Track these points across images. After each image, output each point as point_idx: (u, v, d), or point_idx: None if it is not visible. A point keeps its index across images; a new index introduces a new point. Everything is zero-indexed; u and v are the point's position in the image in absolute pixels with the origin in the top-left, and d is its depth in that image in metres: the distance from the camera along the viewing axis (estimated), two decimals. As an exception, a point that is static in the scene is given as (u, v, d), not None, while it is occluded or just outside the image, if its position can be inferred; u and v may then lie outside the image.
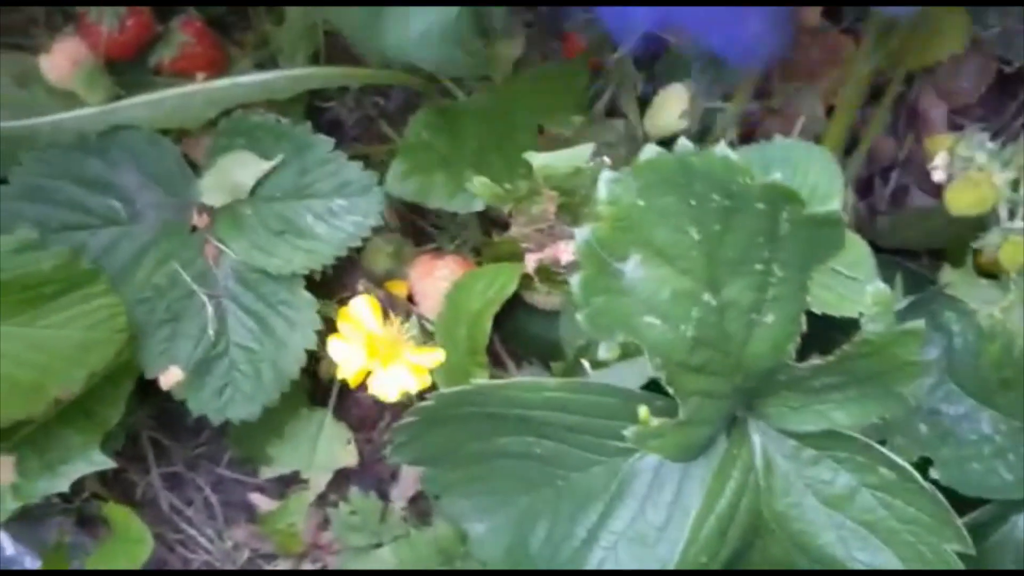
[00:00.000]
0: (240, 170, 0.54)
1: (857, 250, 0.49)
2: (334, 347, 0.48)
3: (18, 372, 0.46)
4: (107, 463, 0.53)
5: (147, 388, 0.55)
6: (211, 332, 0.54)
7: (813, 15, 0.61)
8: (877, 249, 0.68)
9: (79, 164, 0.54)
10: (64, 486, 0.52)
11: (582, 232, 0.38)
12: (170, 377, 0.53)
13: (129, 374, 0.53)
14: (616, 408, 0.44)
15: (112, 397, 0.52)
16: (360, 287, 0.57)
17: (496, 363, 0.60)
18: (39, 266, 0.46)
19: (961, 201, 0.54)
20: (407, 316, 0.55)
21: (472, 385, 0.44)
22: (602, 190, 0.38)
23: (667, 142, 0.39)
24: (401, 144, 0.57)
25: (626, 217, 0.38)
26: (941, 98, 0.66)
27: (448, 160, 0.55)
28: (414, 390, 0.48)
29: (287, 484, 0.64)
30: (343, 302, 0.57)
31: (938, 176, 0.54)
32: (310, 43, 0.61)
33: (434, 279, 0.57)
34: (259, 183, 0.54)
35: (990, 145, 0.54)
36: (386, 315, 0.56)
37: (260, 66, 0.62)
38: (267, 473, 0.62)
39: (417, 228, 0.64)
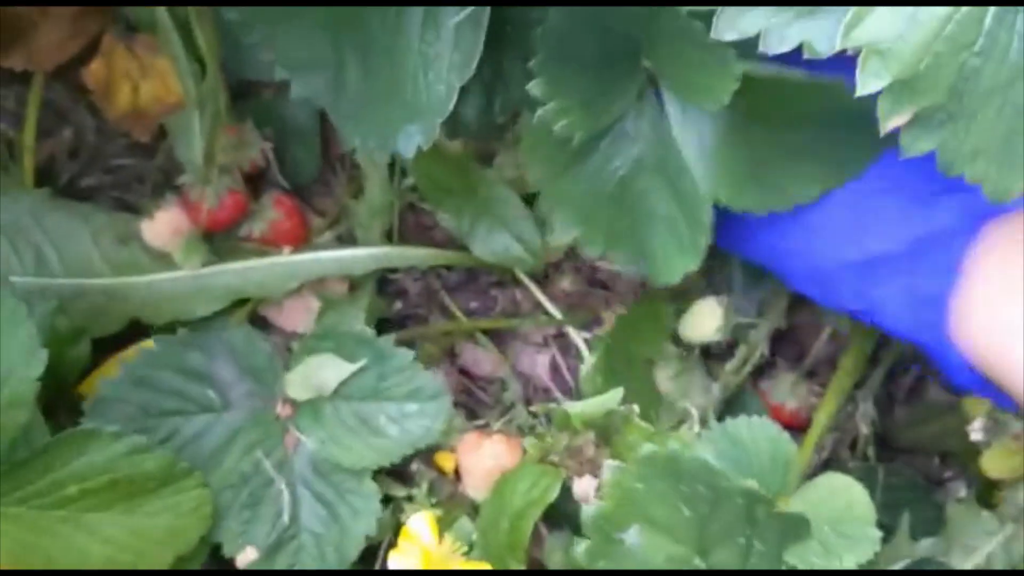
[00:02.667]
0: (325, 371, 0.60)
1: (859, 506, 0.53)
2: (393, 562, 0.53)
3: (119, 555, 0.51)
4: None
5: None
6: (286, 518, 0.59)
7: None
8: (891, 450, 0.73)
9: (182, 356, 0.60)
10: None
11: (588, 509, 0.45)
12: (246, 557, 0.59)
13: (205, 549, 0.58)
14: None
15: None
16: (414, 467, 0.63)
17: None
18: (144, 466, 0.51)
19: (996, 467, 0.59)
20: (451, 497, 0.60)
21: None
22: (606, 475, 0.45)
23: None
24: None
25: (627, 498, 0.45)
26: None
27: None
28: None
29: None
30: (396, 477, 0.63)
31: (975, 437, 0.59)
32: (385, 219, 0.68)
33: (480, 456, 0.62)
34: (341, 383, 0.60)
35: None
36: (431, 489, 0.62)
37: (340, 238, 0.69)
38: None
39: (471, 399, 0.70)
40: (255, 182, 0.69)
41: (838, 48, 0.34)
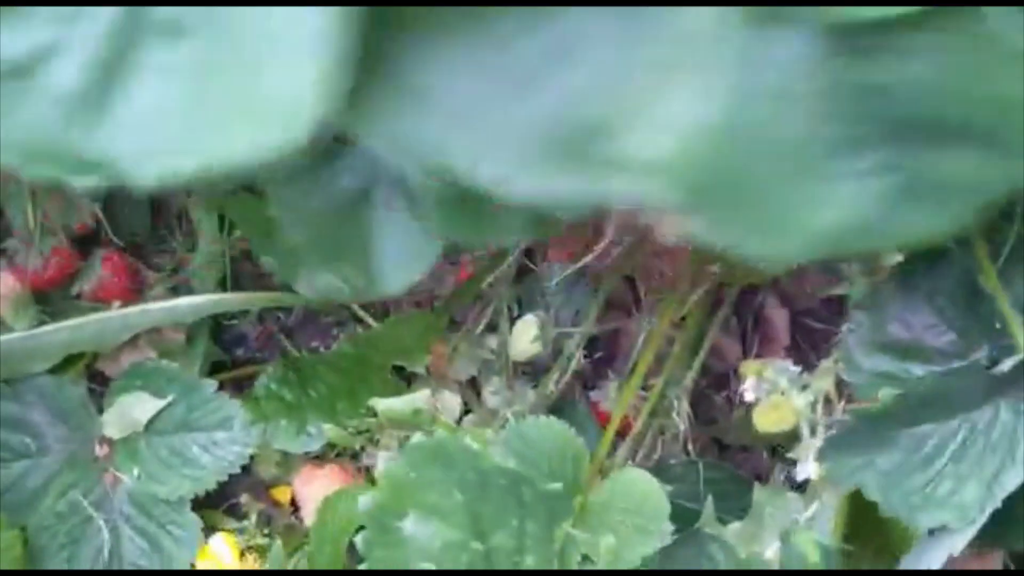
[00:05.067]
0: (137, 407, 0.63)
1: (653, 500, 0.55)
2: (190, 580, 0.55)
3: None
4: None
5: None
6: (106, 553, 0.61)
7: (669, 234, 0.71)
8: (726, 448, 0.76)
9: (-4, 406, 0.62)
10: None
11: (364, 500, 0.46)
12: (68, 596, 0.61)
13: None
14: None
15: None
16: (242, 499, 0.65)
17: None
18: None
19: (766, 420, 0.62)
20: (287, 527, 0.62)
21: None
22: (380, 465, 0.47)
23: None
24: (245, 397, 0.64)
25: (400, 486, 0.47)
26: (784, 304, 0.74)
27: (292, 407, 0.63)
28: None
29: None
30: (229, 510, 0.65)
31: (748, 396, 0.62)
32: (219, 268, 0.71)
33: (314, 487, 0.64)
34: (152, 419, 0.62)
35: (792, 370, 0.61)
36: (269, 522, 0.64)
37: (174, 289, 0.71)
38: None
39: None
40: (88, 243, 0.72)
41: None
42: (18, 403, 0.62)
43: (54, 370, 0.66)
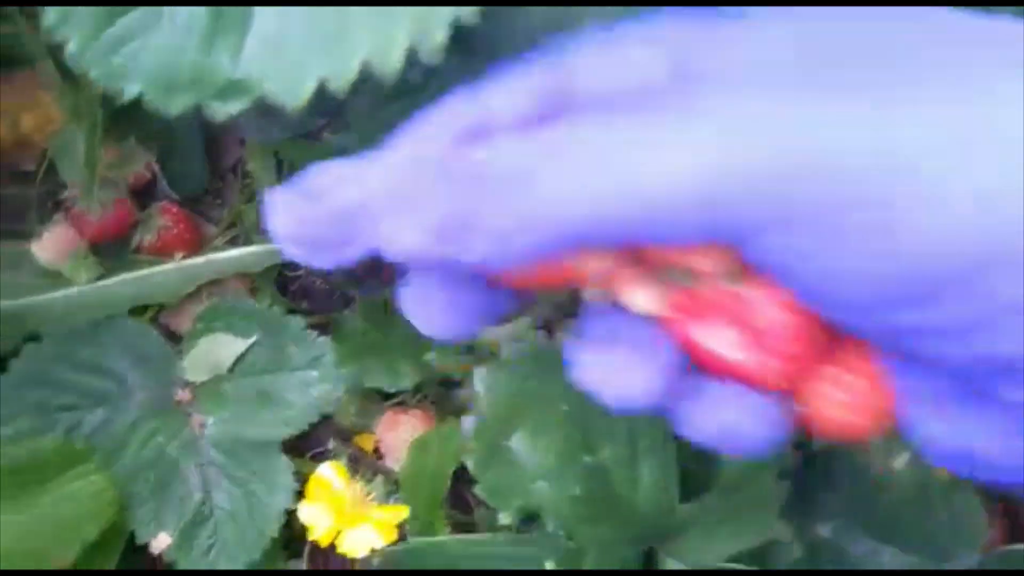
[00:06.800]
0: (219, 349, 0.60)
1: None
2: (305, 511, 0.52)
3: (20, 547, 0.50)
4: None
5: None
6: (197, 498, 0.59)
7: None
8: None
9: (74, 351, 0.59)
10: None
11: (468, 421, 0.44)
12: (160, 543, 0.58)
13: (119, 539, 0.57)
14: (530, 557, 0.49)
15: (104, 562, 0.56)
16: (330, 445, 0.63)
17: (466, 505, 0.64)
18: (38, 451, 0.51)
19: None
20: (374, 471, 0.60)
21: (405, 546, 0.50)
22: (478, 385, 0.44)
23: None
24: (334, 335, 0.62)
25: (502, 402, 0.44)
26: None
27: (380, 346, 0.62)
28: (380, 546, 0.52)
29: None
30: (316, 458, 0.62)
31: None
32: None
33: (398, 433, 0.62)
34: (237, 360, 0.60)
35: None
36: (355, 469, 0.62)
37: (234, 241, 0.68)
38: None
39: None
40: (143, 197, 0.69)
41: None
42: (97, 347, 0.60)
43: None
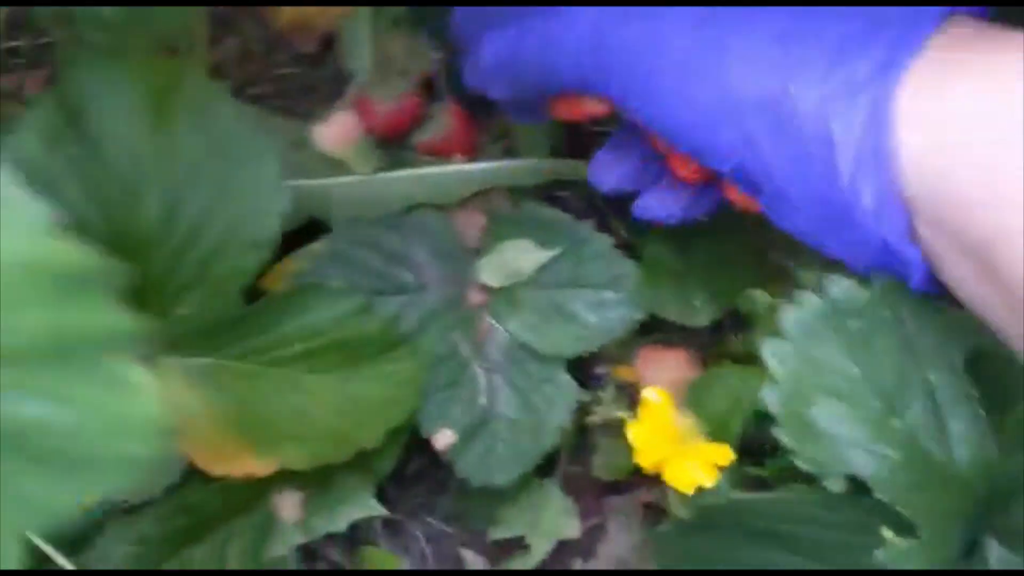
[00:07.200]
0: (521, 257, 0.59)
1: None
2: (635, 433, 0.51)
3: (335, 421, 0.50)
4: (379, 509, 0.58)
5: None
6: (484, 401, 0.58)
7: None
8: None
9: (379, 236, 0.59)
10: (342, 526, 0.57)
11: (768, 394, 0.42)
12: (443, 439, 0.58)
13: (404, 431, 0.57)
14: (862, 524, 0.47)
15: (389, 451, 0.57)
16: (599, 370, 0.62)
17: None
18: (363, 329, 0.51)
19: None
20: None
21: (727, 500, 0.49)
22: (769, 361, 0.42)
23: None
24: (641, 262, 0.61)
25: (795, 376, 0.42)
26: None
27: (679, 275, 0.61)
28: (707, 484, 0.51)
29: (500, 547, 0.68)
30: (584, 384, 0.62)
31: None
32: (553, 135, 0.67)
33: (661, 369, 0.61)
34: (537, 269, 0.59)
35: None
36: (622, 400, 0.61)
37: (508, 152, 0.68)
38: (494, 534, 0.66)
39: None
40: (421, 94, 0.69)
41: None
42: (401, 236, 0.60)
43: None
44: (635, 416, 0.54)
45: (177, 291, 0.48)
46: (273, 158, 0.47)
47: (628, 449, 0.54)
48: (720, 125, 0.41)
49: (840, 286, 0.44)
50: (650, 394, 0.52)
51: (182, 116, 0.47)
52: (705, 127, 0.41)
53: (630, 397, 0.63)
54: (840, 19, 0.39)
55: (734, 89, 0.40)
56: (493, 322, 0.60)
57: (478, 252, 0.61)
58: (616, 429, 0.61)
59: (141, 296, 0.48)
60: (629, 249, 0.59)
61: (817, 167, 0.39)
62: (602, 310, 0.59)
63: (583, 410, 0.62)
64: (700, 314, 0.60)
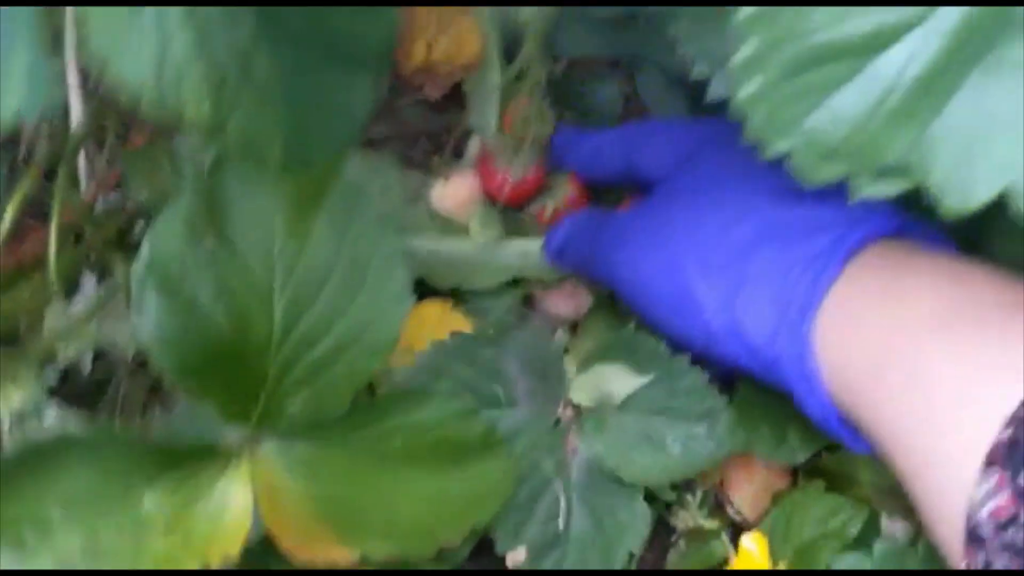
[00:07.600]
0: (614, 380, 0.59)
1: None
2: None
3: (424, 516, 0.50)
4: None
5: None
6: (560, 524, 0.58)
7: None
8: None
9: (476, 350, 0.60)
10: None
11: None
12: (517, 557, 0.57)
13: (479, 534, 0.57)
14: None
15: (461, 551, 0.56)
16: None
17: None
18: (469, 431, 0.51)
19: None
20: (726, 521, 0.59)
21: None
22: None
23: None
24: (735, 400, 0.60)
25: None
26: None
27: (774, 415, 0.60)
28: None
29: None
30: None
31: None
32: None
33: (750, 475, 0.61)
34: (629, 395, 0.59)
35: None
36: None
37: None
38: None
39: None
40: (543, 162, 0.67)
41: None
42: (497, 350, 0.60)
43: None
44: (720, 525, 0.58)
45: (292, 388, 0.48)
46: (403, 266, 0.48)
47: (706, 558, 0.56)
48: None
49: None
50: (748, 542, 0.51)
51: (319, 223, 0.48)
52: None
53: (715, 500, 0.62)
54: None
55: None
56: (579, 442, 0.60)
57: (566, 350, 0.62)
58: (698, 532, 0.61)
59: (255, 389, 0.48)
60: (722, 382, 0.59)
61: None
62: (690, 443, 0.58)
63: (669, 510, 0.62)
64: (797, 453, 0.59)
